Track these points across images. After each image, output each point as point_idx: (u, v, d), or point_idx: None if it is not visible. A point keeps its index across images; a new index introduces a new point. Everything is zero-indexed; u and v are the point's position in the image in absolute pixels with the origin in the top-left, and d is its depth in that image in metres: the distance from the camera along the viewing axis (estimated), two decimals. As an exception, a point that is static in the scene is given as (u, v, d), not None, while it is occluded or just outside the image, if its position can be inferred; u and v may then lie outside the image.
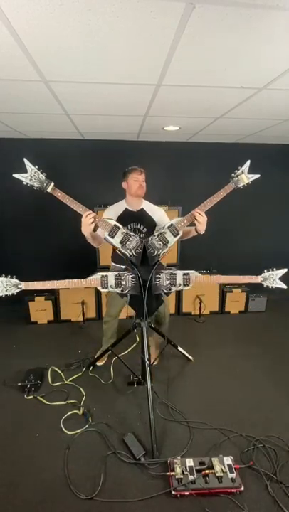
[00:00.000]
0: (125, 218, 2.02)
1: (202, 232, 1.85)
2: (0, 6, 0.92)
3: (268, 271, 1.88)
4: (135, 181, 2.01)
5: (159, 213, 2.11)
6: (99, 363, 2.44)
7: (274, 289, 1.95)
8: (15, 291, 1.77)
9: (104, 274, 1.84)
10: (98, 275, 1.84)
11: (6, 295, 1.76)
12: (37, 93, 1.72)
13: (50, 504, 1.42)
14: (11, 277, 1.77)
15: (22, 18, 0.99)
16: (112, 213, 2.06)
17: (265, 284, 1.91)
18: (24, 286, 1.76)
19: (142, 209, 2.10)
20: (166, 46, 1.17)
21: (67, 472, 1.57)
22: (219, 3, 0.92)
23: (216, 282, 1.84)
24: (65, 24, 1.02)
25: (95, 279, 1.83)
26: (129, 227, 2.01)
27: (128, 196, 2.10)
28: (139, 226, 2.03)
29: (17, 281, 1.77)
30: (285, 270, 1.89)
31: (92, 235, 1.88)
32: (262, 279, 1.87)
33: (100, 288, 1.83)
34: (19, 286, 1.76)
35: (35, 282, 1.75)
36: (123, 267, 1.97)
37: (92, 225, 1.78)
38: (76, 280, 1.80)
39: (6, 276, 1.76)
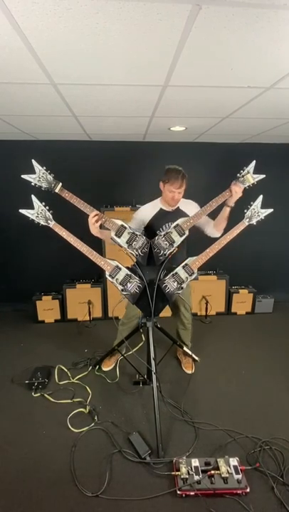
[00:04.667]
0: (160, 218, 1.99)
1: (232, 204, 1.86)
2: (11, 11, 0.95)
3: (247, 209, 1.86)
4: (170, 193, 1.92)
5: (194, 209, 2.01)
6: (105, 368, 2.41)
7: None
8: (43, 223, 1.81)
9: (120, 265, 1.85)
10: (115, 263, 1.86)
11: (34, 221, 1.81)
12: (45, 96, 1.75)
13: (57, 500, 1.44)
14: (49, 211, 1.82)
15: (32, 22, 1.01)
16: (145, 213, 2.02)
17: (253, 221, 1.86)
18: (52, 226, 1.82)
19: (178, 208, 2.04)
20: (173, 47, 1.17)
21: (74, 469, 1.59)
22: (226, 4, 0.92)
23: (212, 253, 1.83)
24: (73, 28, 1.04)
25: (110, 263, 1.85)
26: (164, 228, 1.97)
27: (162, 198, 2.04)
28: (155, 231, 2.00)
29: (50, 216, 1.82)
30: (271, 210, 1.86)
31: (104, 235, 1.89)
32: (247, 219, 1.85)
33: (107, 274, 1.85)
34: (48, 222, 1.81)
35: (64, 229, 1.82)
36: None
37: (98, 224, 1.80)
38: (95, 253, 1.85)
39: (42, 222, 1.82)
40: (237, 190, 1.81)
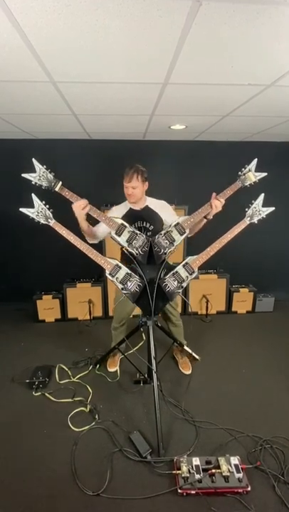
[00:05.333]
0: (130, 218, 2.01)
1: (210, 217, 1.88)
2: (10, 8, 0.94)
3: (248, 208, 1.85)
4: (125, 188, 1.97)
5: (164, 208, 2.08)
6: (111, 369, 2.41)
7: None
8: (43, 221, 1.81)
9: (121, 264, 1.85)
10: (115, 261, 1.86)
11: (35, 220, 1.80)
12: (45, 94, 1.74)
13: (58, 499, 1.44)
14: (49, 209, 1.82)
15: (31, 19, 1.00)
16: (116, 214, 2.05)
17: (255, 220, 1.86)
18: (52, 224, 1.81)
19: (147, 206, 2.07)
20: (173, 44, 1.17)
21: (74, 468, 1.59)
22: (226, 0, 0.91)
23: (212, 252, 1.83)
24: (72, 25, 1.03)
25: (110, 262, 1.85)
26: (135, 226, 1.99)
27: None
28: (145, 224, 2.02)
29: (50, 215, 1.82)
30: (273, 208, 1.86)
31: (88, 228, 1.90)
32: (249, 218, 1.85)
33: (107, 272, 1.85)
34: (48, 221, 1.81)
35: (64, 228, 1.82)
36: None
37: (85, 210, 1.79)
38: (95, 252, 1.85)
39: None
40: (217, 205, 1.81)
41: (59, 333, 3.04)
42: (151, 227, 2.03)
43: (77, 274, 3.35)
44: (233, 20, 1.01)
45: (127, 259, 1.93)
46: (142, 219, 2.01)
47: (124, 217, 2.02)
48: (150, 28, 1.06)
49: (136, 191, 1.96)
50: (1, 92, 1.70)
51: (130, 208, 2.07)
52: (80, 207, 1.79)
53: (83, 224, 1.90)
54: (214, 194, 1.83)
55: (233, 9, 0.95)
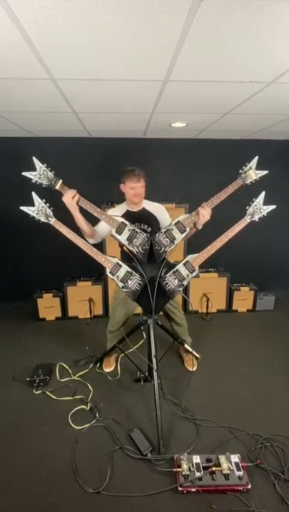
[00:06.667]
0: (128, 219, 1.99)
1: (200, 227, 1.88)
2: (9, 4, 0.93)
3: (249, 206, 1.85)
4: (131, 189, 1.98)
5: (159, 211, 2.10)
6: (106, 369, 2.40)
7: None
8: (43, 220, 1.81)
9: (121, 263, 1.85)
10: (115, 260, 1.86)
11: (35, 218, 1.80)
12: (45, 92, 1.73)
13: (58, 497, 1.45)
14: (49, 207, 1.82)
15: (31, 15, 0.99)
16: (113, 214, 2.05)
17: (255, 218, 1.85)
18: (53, 223, 1.81)
19: (144, 208, 2.09)
20: (174, 41, 1.16)
21: (75, 466, 1.59)
22: (227, -4, 0.91)
23: (213, 250, 1.83)
24: (72, 21, 1.02)
25: (111, 260, 1.85)
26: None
27: (127, 199, 2.08)
28: (143, 226, 2.01)
29: (51, 213, 1.82)
30: (273, 206, 1.85)
31: (86, 223, 1.90)
32: (249, 216, 1.85)
33: (108, 271, 1.85)
34: (49, 219, 1.81)
35: (64, 226, 1.81)
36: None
37: (75, 199, 1.79)
38: (96, 250, 1.85)
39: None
40: (204, 214, 1.80)
41: (60, 332, 3.04)
42: (149, 228, 2.03)
43: (77, 272, 3.35)
44: (234, 16, 1.00)
45: (126, 258, 1.93)
46: (139, 221, 2.00)
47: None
48: (151, 25, 1.05)
49: (143, 190, 2.00)
50: (0, 89, 1.69)
51: (128, 210, 2.08)
52: (70, 197, 1.78)
53: (78, 217, 1.88)
54: (203, 203, 1.83)
55: (234, 5, 0.95)
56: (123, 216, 2.01)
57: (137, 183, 1.96)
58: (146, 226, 2.03)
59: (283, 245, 3.67)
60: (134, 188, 1.97)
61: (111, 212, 2.08)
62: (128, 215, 2.03)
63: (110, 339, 2.37)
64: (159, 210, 2.10)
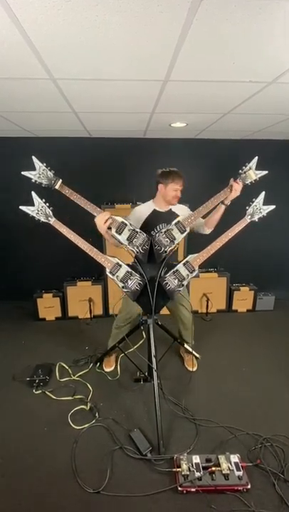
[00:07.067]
0: (154, 219, 2.01)
1: (229, 202, 1.87)
2: (9, 4, 0.93)
3: (249, 206, 1.85)
4: (174, 191, 1.97)
5: (185, 211, 2.09)
6: (107, 369, 2.40)
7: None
8: (43, 219, 1.80)
9: (121, 262, 1.85)
10: (115, 260, 1.86)
11: (35, 218, 1.80)
12: (45, 91, 1.73)
13: (58, 497, 1.45)
14: (49, 207, 1.82)
15: (31, 15, 0.99)
16: (139, 214, 2.04)
17: (255, 218, 1.86)
18: (52, 223, 1.81)
19: (170, 209, 2.08)
20: (174, 40, 1.16)
21: (75, 466, 1.59)
22: (227, -4, 0.90)
23: (213, 250, 1.82)
24: (72, 20, 1.02)
25: (111, 260, 1.85)
26: (158, 228, 1.98)
27: (159, 199, 2.06)
28: (161, 227, 2.00)
29: (51, 213, 1.82)
30: (273, 206, 1.86)
31: (109, 235, 1.89)
32: (249, 216, 1.85)
33: (107, 271, 1.85)
34: (49, 219, 1.81)
35: (64, 226, 1.81)
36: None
37: (107, 224, 1.79)
38: (96, 250, 1.85)
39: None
40: (237, 188, 1.81)
41: (59, 332, 3.04)
42: None
43: (77, 272, 3.35)
44: (234, 16, 1.00)
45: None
46: (165, 221, 1.96)
47: (148, 218, 2.01)
48: (151, 24, 1.05)
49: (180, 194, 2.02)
50: (0, 89, 1.69)
51: (154, 210, 2.06)
52: (102, 220, 1.76)
53: (107, 236, 1.90)
54: (232, 179, 1.83)
55: (234, 5, 0.95)
56: (150, 214, 2.03)
57: (181, 186, 1.98)
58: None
59: (283, 245, 3.67)
60: (177, 190, 1.97)
61: (138, 208, 2.09)
62: (155, 215, 2.03)
63: (115, 335, 2.34)
64: (184, 211, 2.09)
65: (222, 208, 1.90)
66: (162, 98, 1.86)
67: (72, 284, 3.26)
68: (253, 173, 1.83)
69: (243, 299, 3.44)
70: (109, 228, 1.84)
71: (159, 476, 1.54)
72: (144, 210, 2.06)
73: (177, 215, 2.02)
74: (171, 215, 2.03)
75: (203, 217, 1.98)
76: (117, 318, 2.35)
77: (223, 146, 3.25)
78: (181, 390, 2.14)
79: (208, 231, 2.05)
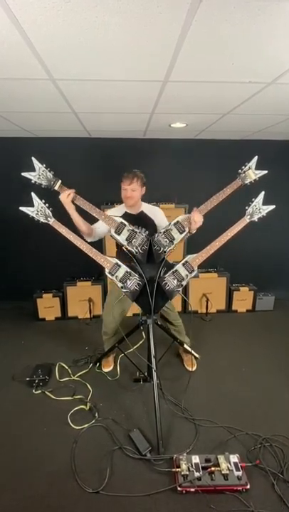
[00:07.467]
0: (126, 221, 2.01)
1: (193, 231, 1.87)
2: (9, 5, 0.94)
3: (248, 206, 1.86)
4: (123, 190, 2.00)
5: (158, 214, 2.11)
6: (105, 369, 2.40)
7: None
8: (43, 220, 1.81)
9: (120, 263, 1.85)
10: (115, 260, 1.86)
11: (34, 218, 1.82)
12: (45, 92, 1.73)
13: (57, 496, 1.45)
14: (48, 208, 1.83)
15: (30, 16, 0.99)
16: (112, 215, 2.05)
17: (255, 218, 1.86)
18: (52, 223, 1.82)
19: (142, 211, 2.10)
20: (173, 41, 1.16)
21: (74, 466, 1.59)
22: (227, -4, 0.91)
23: (212, 250, 1.83)
24: (71, 21, 1.02)
25: (110, 261, 1.86)
26: None
27: None
28: (138, 229, 2.01)
29: (50, 213, 1.83)
30: (273, 206, 1.86)
31: (83, 222, 1.90)
32: (249, 216, 1.85)
33: (107, 271, 1.85)
34: (48, 219, 1.82)
35: (63, 227, 1.82)
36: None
37: (70, 197, 1.80)
38: (95, 250, 1.86)
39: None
40: (196, 219, 1.79)
41: (59, 332, 3.04)
42: (146, 232, 2.01)
43: (77, 272, 3.35)
44: (233, 17, 1.00)
45: (123, 257, 1.93)
46: (136, 223, 1.97)
47: None
48: (150, 25, 1.05)
49: (135, 194, 2.00)
50: (0, 89, 1.69)
51: (126, 212, 2.08)
52: (65, 195, 1.79)
53: (76, 217, 1.89)
54: (195, 208, 1.83)
55: (233, 6, 0.95)
56: (121, 217, 2.02)
57: (127, 186, 1.97)
58: (142, 229, 2.01)
59: (283, 245, 3.67)
60: (125, 189, 1.99)
61: (110, 212, 2.08)
62: (126, 217, 2.02)
63: (106, 342, 2.37)
64: (156, 213, 2.11)
65: (186, 235, 1.90)
66: (162, 99, 1.86)
67: (72, 284, 3.26)
68: (252, 172, 1.83)
69: (243, 299, 3.44)
70: (109, 230, 1.84)
71: (159, 476, 1.54)
72: (116, 212, 2.08)
73: (149, 218, 2.07)
74: (143, 217, 2.07)
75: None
76: (103, 325, 2.34)
77: (223, 146, 3.25)
78: (181, 390, 2.14)
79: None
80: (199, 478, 1.47)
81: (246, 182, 1.85)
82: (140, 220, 2.02)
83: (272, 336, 2.93)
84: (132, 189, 1.98)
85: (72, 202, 1.82)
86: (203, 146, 3.25)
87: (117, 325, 2.26)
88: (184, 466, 1.51)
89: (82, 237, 1.92)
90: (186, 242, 3.09)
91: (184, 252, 3.13)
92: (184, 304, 3.37)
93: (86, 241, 1.91)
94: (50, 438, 1.78)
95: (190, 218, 1.81)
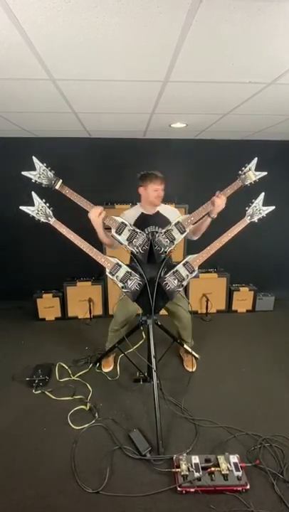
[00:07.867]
0: (142, 222, 2.01)
1: (215, 215, 1.86)
2: (9, 5, 0.94)
3: (248, 207, 1.86)
4: (155, 191, 1.98)
5: (174, 214, 2.08)
6: (105, 369, 2.40)
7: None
8: (43, 219, 1.81)
9: (121, 263, 1.85)
10: (115, 260, 1.86)
11: (35, 218, 1.81)
12: (45, 92, 1.74)
13: (57, 497, 1.45)
14: (49, 208, 1.82)
15: (31, 16, 1.00)
16: (129, 216, 2.04)
17: (255, 219, 1.86)
18: (52, 223, 1.82)
19: (158, 212, 2.08)
20: (173, 41, 1.16)
21: (74, 466, 1.59)
22: (227, -3, 0.91)
23: (212, 251, 1.83)
24: (72, 21, 1.02)
25: (110, 260, 1.86)
26: (147, 231, 1.98)
27: (144, 202, 2.07)
28: (157, 229, 1.99)
29: (51, 213, 1.82)
30: (273, 207, 1.87)
31: (105, 234, 1.89)
32: (249, 217, 1.85)
33: (107, 271, 1.85)
34: (49, 219, 1.81)
35: (64, 226, 1.82)
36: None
37: (101, 217, 1.79)
38: (96, 250, 1.85)
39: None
40: (219, 203, 1.80)
41: (59, 332, 3.04)
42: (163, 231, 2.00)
43: (77, 272, 3.35)
44: (233, 17, 1.00)
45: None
46: (154, 223, 1.98)
47: (136, 222, 2.01)
48: (150, 25, 1.05)
49: (163, 193, 2.02)
50: (0, 89, 1.69)
51: (142, 213, 2.07)
52: (96, 213, 1.78)
53: (101, 232, 1.90)
54: (217, 192, 1.82)
55: (233, 6, 0.95)
56: (138, 218, 2.02)
57: (160, 185, 1.98)
58: (160, 229, 1.99)
59: (283, 246, 3.67)
60: (157, 190, 1.98)
61: (126, 212, 2.09)
62: (143, 218, 2.03)
63: (111, 338, 2.36)
64: (172, 213, 2.09)
65: (208, 220, 1.91)
66: (162, 99, 1.86)
67: (72, 284, 3.26)
68: (252, 174, 1.83)
69: (243, 299, 3.44)
70: (109, 229, 1.84)
71: (159, 476, 1.54)
72: (132, 213, 2.07)
73: (166, 218, 2.04)
74: (159, 218, 2.04)
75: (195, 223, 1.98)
76: (112, 321, 2.35)
77: (223, 146, 3.25)
78: (181, 391, 2.14)
79: (194, 238, 2.07)
80: (199, 479, 1.47)
81: (246, 183, 1.85)
82: (158, 221, 2.00)
83: (272, 336, 2.93)
84: (163, 188, 2.00)
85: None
86: (203, 146, 3.25)
87: (127, 318, 2.26)
88: (183, 467, 1.51)
89: (83, 237, 1.91)
90: (187, 242, 3.09)
91: (184, 252, 3.13)
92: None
93: (87, 241, 1.90)
94: (50, 438, 1.78)
95: (213, 203, 1.80)
